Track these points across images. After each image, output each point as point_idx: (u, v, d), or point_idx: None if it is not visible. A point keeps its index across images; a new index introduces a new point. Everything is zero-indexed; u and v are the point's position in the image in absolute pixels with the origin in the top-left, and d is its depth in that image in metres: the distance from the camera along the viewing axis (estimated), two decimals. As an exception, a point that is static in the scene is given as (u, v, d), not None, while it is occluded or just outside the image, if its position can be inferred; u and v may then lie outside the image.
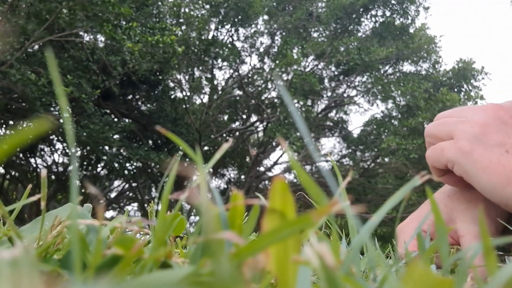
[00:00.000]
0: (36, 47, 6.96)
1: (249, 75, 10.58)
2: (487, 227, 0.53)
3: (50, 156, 9.96)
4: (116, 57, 7.12)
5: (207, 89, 10.64)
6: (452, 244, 0.58)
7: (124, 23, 7.18)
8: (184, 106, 9.52)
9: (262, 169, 11.30)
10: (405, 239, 0.59)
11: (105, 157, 7.84)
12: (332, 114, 11.85)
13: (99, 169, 10.16)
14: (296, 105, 9.41)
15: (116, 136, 8.01)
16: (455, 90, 10.71)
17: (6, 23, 5.91)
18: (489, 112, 0.54)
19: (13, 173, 9.90)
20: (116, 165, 8.34)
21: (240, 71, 10.49)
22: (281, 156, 11.16)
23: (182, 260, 0.26)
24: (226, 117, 11.32)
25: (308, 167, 10.76)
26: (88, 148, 8.55)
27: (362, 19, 10.85)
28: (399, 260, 0.38)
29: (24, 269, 0.13)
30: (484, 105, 0.58)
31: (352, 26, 10.65)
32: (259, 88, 10.58)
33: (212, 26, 9.91)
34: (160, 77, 9.03)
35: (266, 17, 10.51)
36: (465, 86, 10.89)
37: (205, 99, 10.59)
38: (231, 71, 10.59)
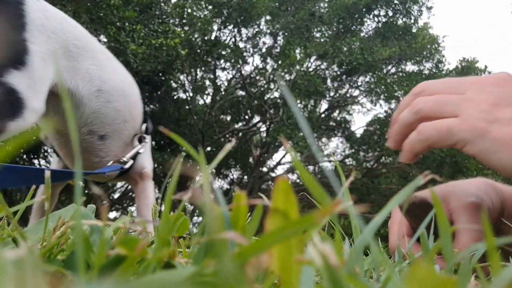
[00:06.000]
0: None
1: (252, 76, 10.58)
2: (480, 230, 0.53)
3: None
4: (120, 59, 7.12)
5: (210, 90, 10.65)
6: None
7: (127, 24, 7.20)
8: (187, 107, 9.53)
9: (265, 169, 11.29)
10: (393, 235, 0.58)
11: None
12: (335, 114, 11.83)
13: (102, 170, 10.15)
14: (299, 105, 9.41)
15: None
16: (458, 89, 10.66)
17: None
18: (493, 87, 0.50)
19: (17, 174, 9.92)
20: (120, 166, 8.33)
21: (243, 72, 10.49)
22: (284, 156, 11.15)
23: (186, 260, 0.26)
24: (229, 118, 11.31)
25: (311, 168, 10.74)
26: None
27: (365, 19, 10.84)
28: (402, 260, 0.38)
29: (28, 270, 0.13)
30: (482, 77, 0.54)
31: (354, 26, 10.64)
32: (262, 89, 10.58)
33: (215, 27, 9.92)
34: (163, 78, 9.04)
35: (268, 17, 10.51)
36: (468, 85, 10.84)
37: (208, 99, 10.60)
38: (234, 71, 10.59)
